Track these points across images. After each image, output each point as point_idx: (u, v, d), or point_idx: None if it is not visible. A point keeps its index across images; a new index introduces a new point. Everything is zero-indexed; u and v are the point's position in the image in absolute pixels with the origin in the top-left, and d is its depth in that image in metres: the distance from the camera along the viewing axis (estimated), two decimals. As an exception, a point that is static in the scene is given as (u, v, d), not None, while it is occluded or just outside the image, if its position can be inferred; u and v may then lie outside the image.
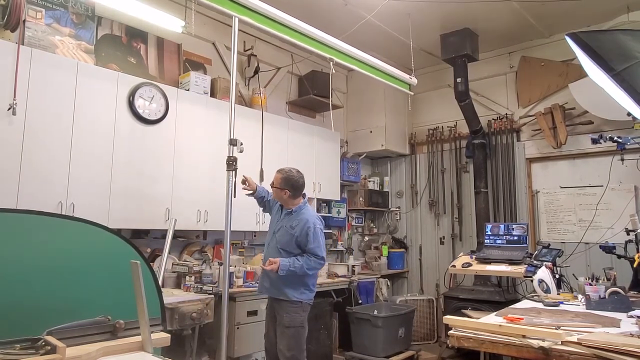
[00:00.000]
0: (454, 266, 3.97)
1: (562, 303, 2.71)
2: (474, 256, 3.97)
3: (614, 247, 3.23)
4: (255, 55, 4.78)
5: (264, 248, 3.43)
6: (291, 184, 3.22)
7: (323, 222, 3.33)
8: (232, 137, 2.96)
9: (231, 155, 2.94)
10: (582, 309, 2.55)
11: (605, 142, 3.33)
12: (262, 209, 3.64)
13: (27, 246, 1.50)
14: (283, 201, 3.28)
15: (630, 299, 2.53)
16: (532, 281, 3.21)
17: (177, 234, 3.82)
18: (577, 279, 3.15)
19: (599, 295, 2.57)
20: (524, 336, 1.89)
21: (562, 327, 1.96)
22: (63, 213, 2.96)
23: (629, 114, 3.05)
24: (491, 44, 5.34)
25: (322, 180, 5.01)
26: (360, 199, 5.85)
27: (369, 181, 6.14)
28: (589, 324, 2.08)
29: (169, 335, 1.59)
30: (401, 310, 4.70)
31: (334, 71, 3.85)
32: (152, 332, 1.48)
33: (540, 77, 5.15)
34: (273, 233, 3.28)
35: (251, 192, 3.46)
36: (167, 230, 3.30)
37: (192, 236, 4.10)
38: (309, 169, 4.77)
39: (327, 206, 5.43)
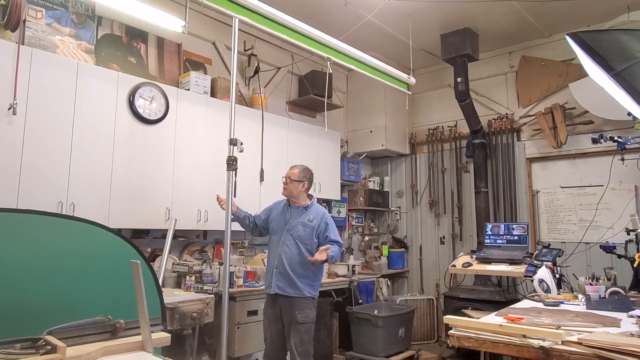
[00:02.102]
0: (454, 266, 3.97)
1: (562, 303, 2.71)
2: (474, 256, 3.97)
3: (614, 247, 3.22)
4: (256, 55, 4.78)
5: (269, 248, 3.42)
6: (308, 176, 3.42)
7: None
8: (232, 137, 2.96)
9: (231, 155, 2.95)
10: (583, 308, 2.55)
11: (605, 141, 3.33)
12: (253, 232, 3.60)
13: (28, 246, 1.51)
14: (296, 196, 3.35)
15: (631, 299, 2.53)
16: (532, 281, 3.21)
17: (178, 234, 3.82)
18: (577, 279, 3.15)
19: (599, 295, 2.57)
20: (524, 336, 1.89)
21: (562, 327, 1.96)
22: (63, 213, 2.95)
23: (629, 114, 3.05)
24: (491, 44, 5.34)
25: (322, 180, 5.01)
26: (361, 198, 5.85)
27: (369, 181, 6.14)
28: (589, 324, 2.08)
29: (169, 335, 1.60)
30: (401, 310, 4.70)
31: (331, 70, 3.85)
32: (152, 332, 1.48)
33: (541, 77, 5.15)
34: (286, 231, 3.30)
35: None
36: (167, 230, 3.30)
37: (192, 236, 4.10)
38: (309, 168, 4.77)
39: (328, 206, 5.43)
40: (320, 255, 3.11)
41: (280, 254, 3.24)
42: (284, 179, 3.38)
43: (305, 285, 3.20)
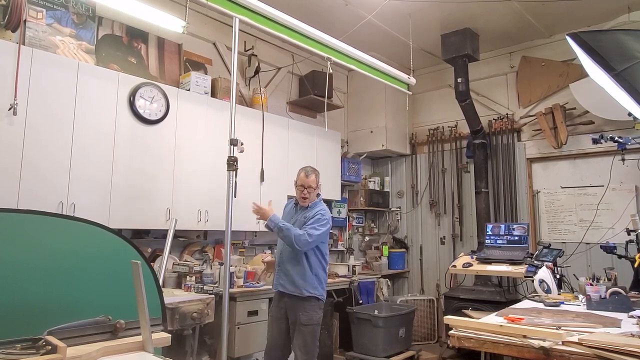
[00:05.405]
0: (454, 266, 3.97)
1: (562, 303, 2.71)
2: (474, 256, 3.97)
3: (615, 247, 3.22)
4: (256, 55, 4.78)
5: (277, 246, 3.42)
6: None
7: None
8: (232, 137, 2.96)
9: (232, 155, 2.94)
10: (583, 309, 2.55)
11: (605, 142, 3.32)
12: None
13: (28, 246, 1.50)
14: (310, 199, 3.31)
15: (631, 299, 2.53)
16: (532, 281, 3.21)
17: (178, 234, 3.82)
18: (577, 279, 3.15)
19: (600, 296, 2.57)
20: (524, 336, 1.88)
21: (562, 327, 1.96)
22: (64, 213, 2.96)
23: (629, 114, 3.05)
24: (492, 44, 5.34)
25: (323, 180, 4.93)
26: (361, 199, 5.85)
27: (370, 181, 6.14)
28: (589, 324, 2.08)
29: (170, 335, 1.59)
30: (402, 310, 4.70)
31: (331, 70, 3.85)
32: (152, 332, 1.48)
33: (541, 77, 5.15)
34: None
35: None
36: (167, 230, 3.30)
37: (192, 236, 4.10)
38: (309, 169, 4.77)
39: (328, 206, 5.41)
40: (256, 205, 3.12)
41: (282, 252, 3.25)
42: (302, 189, 3.27)
43: (304, 283, 3.12)
